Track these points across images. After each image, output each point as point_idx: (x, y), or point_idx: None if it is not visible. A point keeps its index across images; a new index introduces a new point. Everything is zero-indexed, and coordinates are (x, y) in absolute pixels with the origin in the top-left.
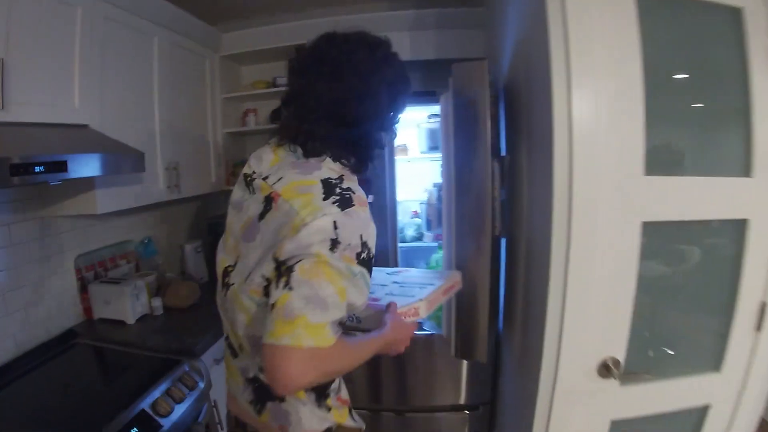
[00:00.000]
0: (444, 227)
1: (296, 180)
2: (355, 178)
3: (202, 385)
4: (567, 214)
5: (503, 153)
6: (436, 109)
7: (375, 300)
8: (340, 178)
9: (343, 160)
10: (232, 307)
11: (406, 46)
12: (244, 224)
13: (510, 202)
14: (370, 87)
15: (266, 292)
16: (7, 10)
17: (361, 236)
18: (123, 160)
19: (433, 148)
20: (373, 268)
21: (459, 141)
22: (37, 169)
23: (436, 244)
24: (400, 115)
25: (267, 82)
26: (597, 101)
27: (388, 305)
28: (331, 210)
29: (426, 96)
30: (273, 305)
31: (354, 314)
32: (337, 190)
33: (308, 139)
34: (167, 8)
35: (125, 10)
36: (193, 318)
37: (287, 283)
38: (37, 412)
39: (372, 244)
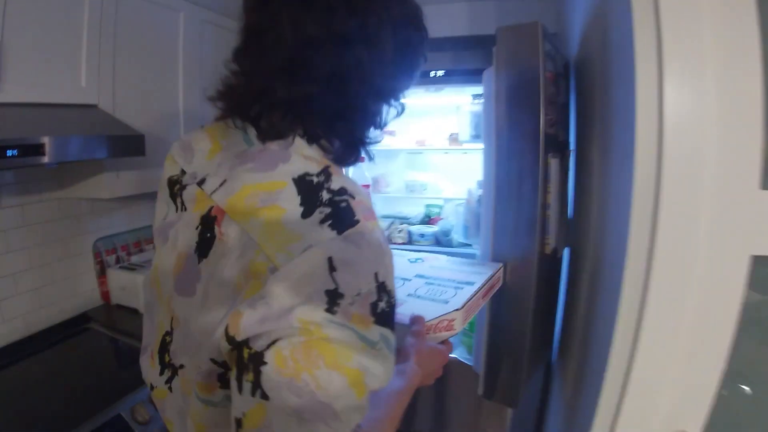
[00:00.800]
0: (481, 238)
1: (250, 183)
2: (342, 170)
3: None
4: (648, 236)
5: (572, 146)
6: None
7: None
8: (325, 173)
9: (323, 142)
10: (179, 404)
11: (463, 18)
12: (177, 266)
13: (576, 208)
14: (364, 25)
15: (222, 383)
16: None
17: (376, 275)
18: (116, 144)
19: (476, 136)
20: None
21: (502, 128)
22: (9, 153)
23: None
24: (410, 81)
25: None
26: (698, 92)
27: (413, 320)
28: (321, 236)
29: (475, 75)
30: (238, 424)
31: None
32: (325, 195)
33: (263, 108)
34: None
35: None
36: None
37: (256, 386)
38: (17, 400)
39: (392, 283)
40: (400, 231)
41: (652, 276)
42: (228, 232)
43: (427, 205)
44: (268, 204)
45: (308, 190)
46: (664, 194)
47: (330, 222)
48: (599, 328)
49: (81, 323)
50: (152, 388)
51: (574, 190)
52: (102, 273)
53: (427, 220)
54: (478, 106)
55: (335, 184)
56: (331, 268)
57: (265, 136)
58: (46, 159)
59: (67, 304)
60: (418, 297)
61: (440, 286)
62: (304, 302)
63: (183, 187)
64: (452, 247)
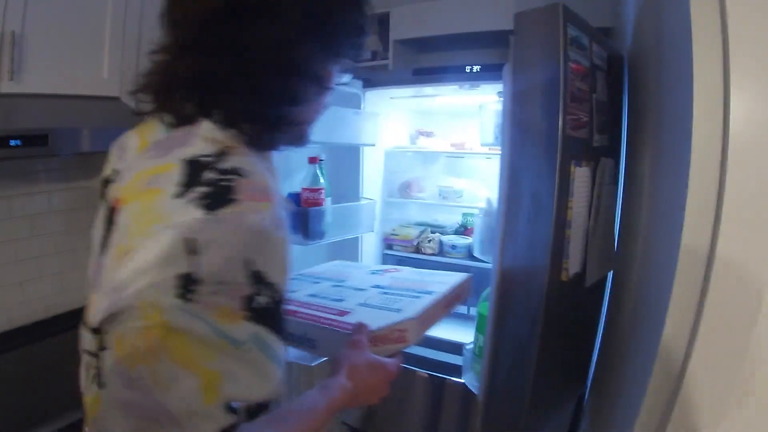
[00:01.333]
0: (493, 256)
1: (145, 168)
2: (253, 154)
3: None
4: (701, 270)
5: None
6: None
7: (342, 313)
8: (221, 154)
9: (239, 125)
10: None
11: (509, 10)
12: (91, 265)
13: (622, 227)
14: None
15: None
16: None
17: (246, 262)
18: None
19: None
20: (352, 264)
21: (514, 130)
22: (12, 142)
23: None
24: (333, 51)
25: None
26: None
27: (355, 329)
28: (185, 215)
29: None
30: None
31: (307, 335)
32: (207, 176)
33: (172, 89)
34: None
35: None
36: None
37: (97, 373)
38: (33, 379)
39: (280, 276)
40: (430, 241)
41: (702, 321)
42: (118, 221)
43: (464, 214)
44: (150, 186)
45: (193, 170)
46: (726, 223)
47: (200, 202)
48: (635, 371)
49: None
50: None
51: (622, 206)
52: None
53: (462, 230)
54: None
55: (228, 164)
56: (189, 251)
57: (178, 122)
58: (49, 149)
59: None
60: (369, 306)
61: (396, 296)
62: (150, 284)
63: (107, 184)
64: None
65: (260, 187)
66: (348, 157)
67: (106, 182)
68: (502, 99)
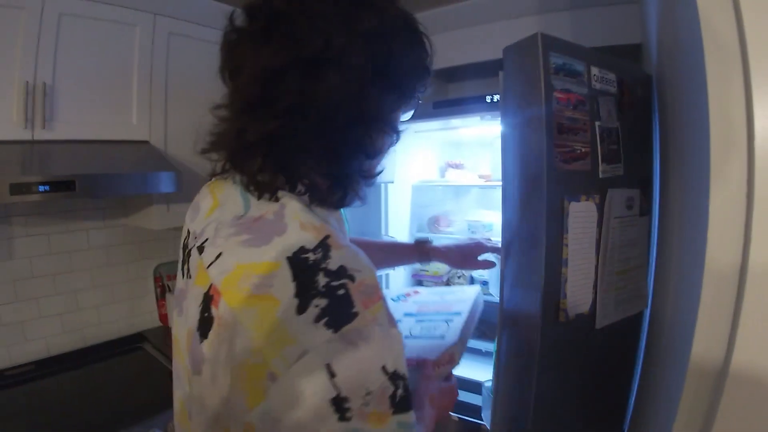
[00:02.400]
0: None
1: (244, 262)
2: (341, 236)
3: None
4: (731, 313)
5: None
6: None
7: None
8: (323, 246)
9: (304, 183)
10: None
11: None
12: (188, 341)
13: (660, 258)
14: (329, 45)
15: None
16: (55, 36)
17: (384, 368)
18: (146, 180)
19: None
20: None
21: (507, 164)
22: (41, 188)
23: None
24: (406, 104)
25: None
26: None
27: (420, 365)
28: (316, 339)
29: None
30: None
31: None
32: (321, 281)
33: (243, 151)
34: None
35: (193, 22)
36: None
37: None
38: (65, 404)
39: (404, 364)
40: (460, 276)
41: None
42: (224, 317)
43: None
44: (261, 291)
45: (303, 273)
46: (755, 251)
47: (326, 319)
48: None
49: (135, 342)
50: None
51: (657, 239)
52: (162, 296)
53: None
54: None
55: (333, 263)
56: (331, 374)
57: (255, 189)
58: (76, 194)
59: (125, 323)
60: (415, 337)
61: (431, 322)
62: (312, 418)
63: (189, 253)
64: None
65: (369, 286)
66: (369, 194)
67: (185, 246)
68: None
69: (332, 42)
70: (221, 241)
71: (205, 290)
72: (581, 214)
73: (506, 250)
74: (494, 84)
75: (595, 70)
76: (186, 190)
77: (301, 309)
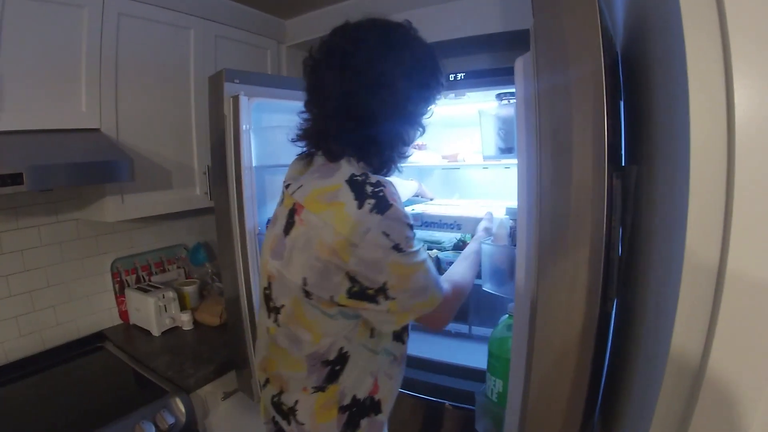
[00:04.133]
0: (517, 287)
1: (318, 187)
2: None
3: (173, 422)
4: (710, 302)
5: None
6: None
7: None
8: (365, 174)
9: (363, 162)
10: (286, 333)
11: (497, 14)
12: (272, 240)
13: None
14: (382, 76)
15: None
16: None
17: (406, 229)
18: (98, 170)
19: (506, 150)
20: None
21: (546, 137)
22: None
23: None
24: (428, 108)
25: None
26: None
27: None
28: (373, 221)
29: (502, 74)
30: (387, 310)
31: (456, 222)
32: (369, 189)
33: (322, 140)
34: None
35: (144, 2)
36: (215, 341)
37: (387, 298)
38: (27, 412)
39: (410, 222)
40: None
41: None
42: (308, 219)
43: None
44: (333, 201)
45: (356, 186)
46: (736, 237)
47: (375, 210)
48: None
49: (96, 341)
50: (267, 330)
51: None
52: (121, 292)
53: (462, 245)
54: (506, 109)
55: (372, 179)
56: (386, 235)
57: (328, 158)
58: (25, 187)
59: (84, 322)
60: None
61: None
62: (384, 256)
63: (286, 188)
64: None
65: (393, 193)
66: None
67: (287, 186)
68: (504, 102)
69: (385, 72)
70: (303, 179)
71: (290, 207)
72: (619, 194)
73: (540, 241)
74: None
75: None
76: (140, 180)
77: (360, 206)
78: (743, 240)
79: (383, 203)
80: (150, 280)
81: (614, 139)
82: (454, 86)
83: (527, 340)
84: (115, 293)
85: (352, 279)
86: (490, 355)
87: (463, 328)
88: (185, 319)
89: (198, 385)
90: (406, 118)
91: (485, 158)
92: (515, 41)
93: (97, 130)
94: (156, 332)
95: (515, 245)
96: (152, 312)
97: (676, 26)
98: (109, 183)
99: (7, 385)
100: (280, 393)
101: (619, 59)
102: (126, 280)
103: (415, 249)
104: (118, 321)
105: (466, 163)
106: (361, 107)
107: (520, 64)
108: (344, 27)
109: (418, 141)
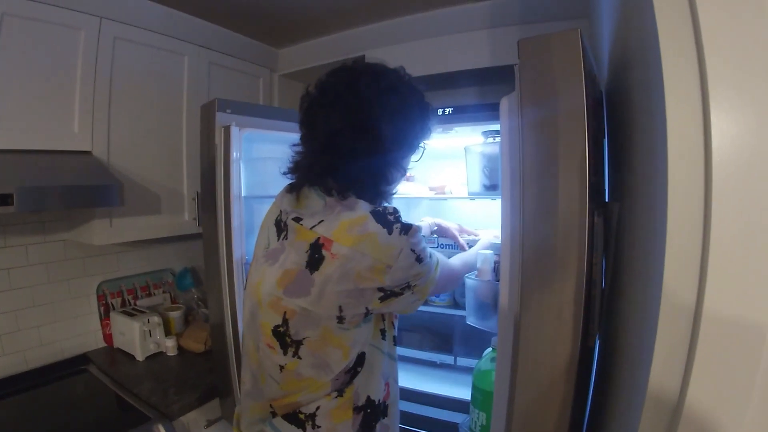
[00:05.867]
0: (500, 322)
1: (345, 220)
2: None
3: None
4: (687, 340)
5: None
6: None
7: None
8: (382, 206)
9: (364, 195)
10: (311, 361)
11: (485, 48)
12: (286, 277)
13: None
14: (369, 117)
15: (363, 318)
16: None
17: (423, 242)
18: (88, 194)
19: (491, 187)
20: None
21: (531, 175)
22: None
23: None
24: (411, 152)
25: None
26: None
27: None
28: (402, 242)
29: (488, 110)
30: (412, 294)
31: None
32: (390, 217)
33: (314, 175)
34: (198, 25)
35: (140, 27)
36: (200, 367)
37: (412, 290)
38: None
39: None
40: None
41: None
42: (342, 252)
43: None
44: (364, 232)
45: (381, 216)
46: (714, 269)
47: (403, 232)
48: None
49: (80, 364)
50: (281, 368)
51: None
52: (106, 315)
53: None
54: (491, 147)
55: (389, 208)
56: (413, 252)
57: (326, 193)
58: (14, 209)
59: (68, 343)
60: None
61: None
62: (412, 274)
63: (285, 224)
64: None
65: (404, 218)
66: None
67: (280, 221)
68: (489, 140)
69: (371, 115)
70: (320, 215)
71: (312, 241)
72: (600, 231)
73: (523, 277)
74: (442, 97)
75: (593, 83)
76: (129, 204)
77: (390, 232)
78: (719, 279)
79: (406, 226)
80: (135, 304)
81: (596, 177)
82: (441, 121)
83: (510, 374)
84: (100, 316)
85: (382, 289)
86: (474, 387)
87: (448, 359)
88: (170, 345)
89: (181, 412)
90: (393, 156)
91: (470, 194)
92: (503, 75)
93: (88, 152)
94: (140, 357)
95: (498, 280)
96: (137, 336)
97: (655, 64)
98: (99, 207)
99: None
100: (295, 412)
101: (603, 98)
102: (111, 303)
103: (430, 255)
104: (102, 344)
105: (452, 196)
106: (346, 146)
107: (505, 104)
108: (341, 68)
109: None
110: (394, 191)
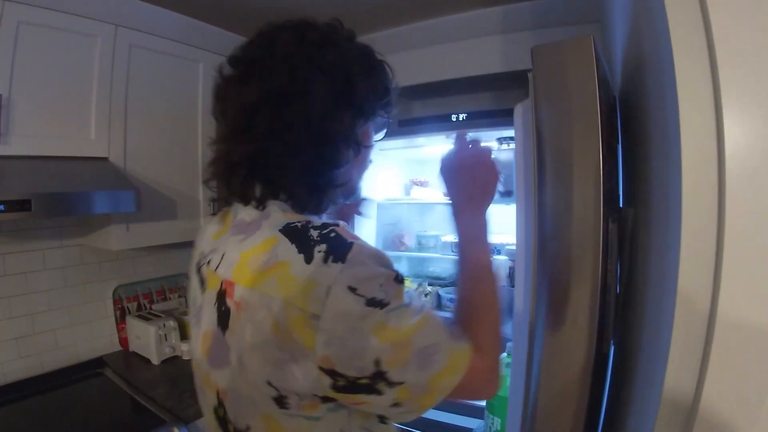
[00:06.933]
0: (514, 326)
1: (245, 250)
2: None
3: None
4: (701, 344)
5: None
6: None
7: None
8: (303, 220)
9: (297, 195)
10: None
11: (497, 54)
12: (204, 344)
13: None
14: (294, 79)
15: (323, 401)
16: (12, 45)
17: (386, 267)
18: (105, 200)
19: (506, 193)
20: None
21: (544, 181)
22: None
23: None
24: (369, 120)
25: None
26: None
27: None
28: (331, 273)
29: (501, 116)
30: (396, 402)
31: None
32: (314, 234)
33: (234, 173)
34: (213, 32)
35: (155, 35)
36: None
37: (390, 384)
38: None
39: (389, 260)
40: (426, 294)
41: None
42: (246, 299)
43: None
44: (271, 263)
45: (297, 235)
46: (727, 275)
47: (332, 256)
48: None
49: (95, 367)
50: None
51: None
52: (122, 319)
53: None
54: (505, 154)
55: (316, 222)
56: (352, 291)
57: (242, 200)
58: (32, 214)
59: (84, 347)
60: None
61: None
62: (365, 324)
63: (200, 267)
64: None
65: (348, 230)
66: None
67: (198, 264)
68: (507, 146)
69: (295, 75)
70: (223, 246)
71: (218, 289)
72: (614, 237)
73: (538, 282)
74: (457, 102)
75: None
76: (146, 209)
77: (309, 259)
78: (733, 283)
79: (339, 245)
80: (151, 308)
81: (611, 183)
82: (455, 127)
83: (524, 380)
84: (116, 320)
85: (331, 372)
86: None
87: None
88: (185, 349)
89: (197, 416)
90: (332, 131)
91: None
92: (516, 79)
93: (105, 158)
94: (155, 361)
95: (513, 286)
96: (152, 340)
97: (668, 68)
98: (116, 213)
99: (4, 407)
100: None
101: (617, 103)
102: (127, 307)
103: (403, 298)
104: (117, 348)
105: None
106: (268, 125)
107: (519, 111)
108: (256, 33)
109: (420, 177)
110: (351, 183)
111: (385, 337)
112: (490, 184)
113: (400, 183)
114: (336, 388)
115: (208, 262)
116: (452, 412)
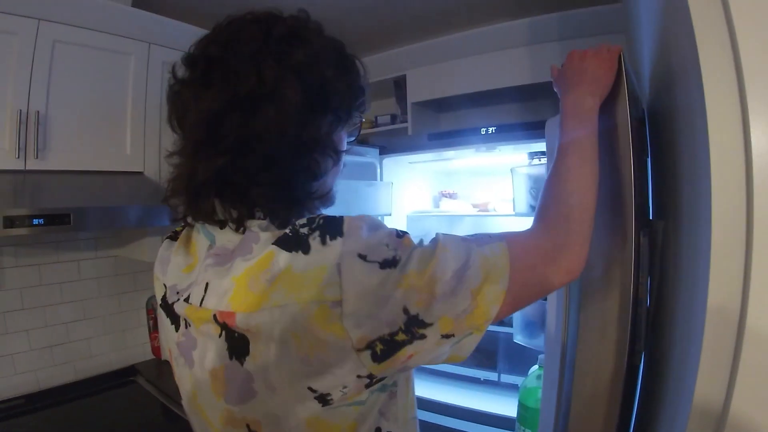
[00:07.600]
0: (547, 340)
1: (239, 273)
2: None
3: None
4: (731, 354)
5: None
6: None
7: None
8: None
9: (274, 211)
10: None
11: (525, 65)
12: (216, 383)
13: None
14: (261, 82)
15: (367, 386)
16: (48, 63)
17: (383, 230)
18: (144, 214)
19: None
20: None
21: None
22: (35, 221)
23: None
24: (344, 125)
25: (370, 122)
26: None
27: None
28: (334, 251)
29: (532, 128)
30: (446, 334)
31: None
32: (304, 231)
33: (198, 192)
34: None
35: None
36: None
37: (425, 325)
38: None
39: (381, 222)
40: None
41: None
42: (255, 324)
43: None
44: (275, 276)
45: (291, 240)
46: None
47: (328, 237)
48: None
49: (128, 375)
50: None
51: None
52: (155, 329)
53: None
54: (537, 169)
55: (302, 221)
56: (362, 258)
57: (209, 222)
58: (71, 228)
59: (117, 355)
60: None
61: None
62: (381, 286)
63: (172, 307)
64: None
65: (332, 213)
66: None
67: (166, 303)
68: (539, 160)
69: (264, 77)
70: (205, 275)
71: (214, 322)
72: (646, 250)
73: (570, 294)
74: (483, 114)
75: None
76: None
77: (306, 250)
78: (762, 296)
79: (331, 224)
80: None
81: (641, 195)
82: (485, 140)
83: (556, 392)
84: (149, 329)
85: (368, 345)
86: (520, 405)
87: (492, 375)
88: None
89: None
90: (308, 138)
91: (517, 215)
92: (545, 91)
93: (140, 173)
94: None
95: (546, 299)
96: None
97: (696, 80)
98: (151, 226)
99: (38, 412)
100: None
101: (645, 115)
102: None
103: (412, 245)
104: (150, 356)
105: (497, 213)
106: (236, 136)
107: (550, 126)
108: (214, 29)
109: (449, 189)
110: (330, 192)
111: (408, 284)
112: (605, 78)
113: (428, 195)
114: (376, 358)
115: (186, 299)
116: (482, 424)
